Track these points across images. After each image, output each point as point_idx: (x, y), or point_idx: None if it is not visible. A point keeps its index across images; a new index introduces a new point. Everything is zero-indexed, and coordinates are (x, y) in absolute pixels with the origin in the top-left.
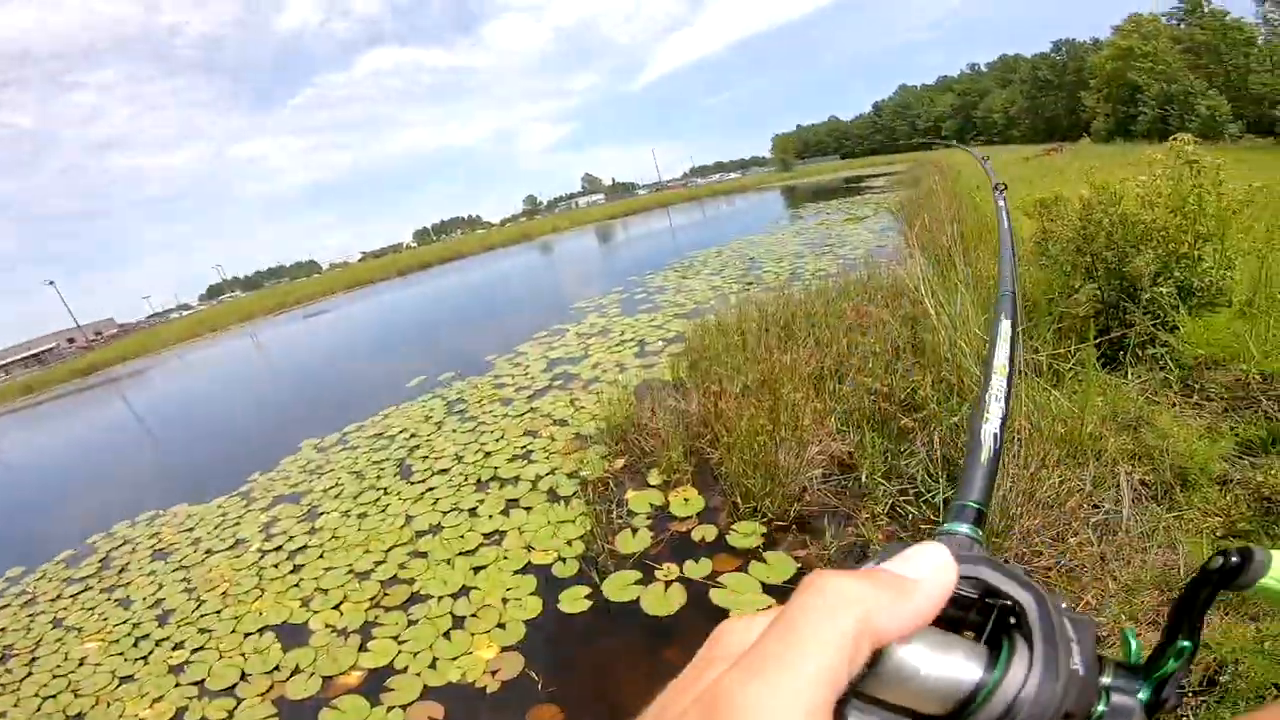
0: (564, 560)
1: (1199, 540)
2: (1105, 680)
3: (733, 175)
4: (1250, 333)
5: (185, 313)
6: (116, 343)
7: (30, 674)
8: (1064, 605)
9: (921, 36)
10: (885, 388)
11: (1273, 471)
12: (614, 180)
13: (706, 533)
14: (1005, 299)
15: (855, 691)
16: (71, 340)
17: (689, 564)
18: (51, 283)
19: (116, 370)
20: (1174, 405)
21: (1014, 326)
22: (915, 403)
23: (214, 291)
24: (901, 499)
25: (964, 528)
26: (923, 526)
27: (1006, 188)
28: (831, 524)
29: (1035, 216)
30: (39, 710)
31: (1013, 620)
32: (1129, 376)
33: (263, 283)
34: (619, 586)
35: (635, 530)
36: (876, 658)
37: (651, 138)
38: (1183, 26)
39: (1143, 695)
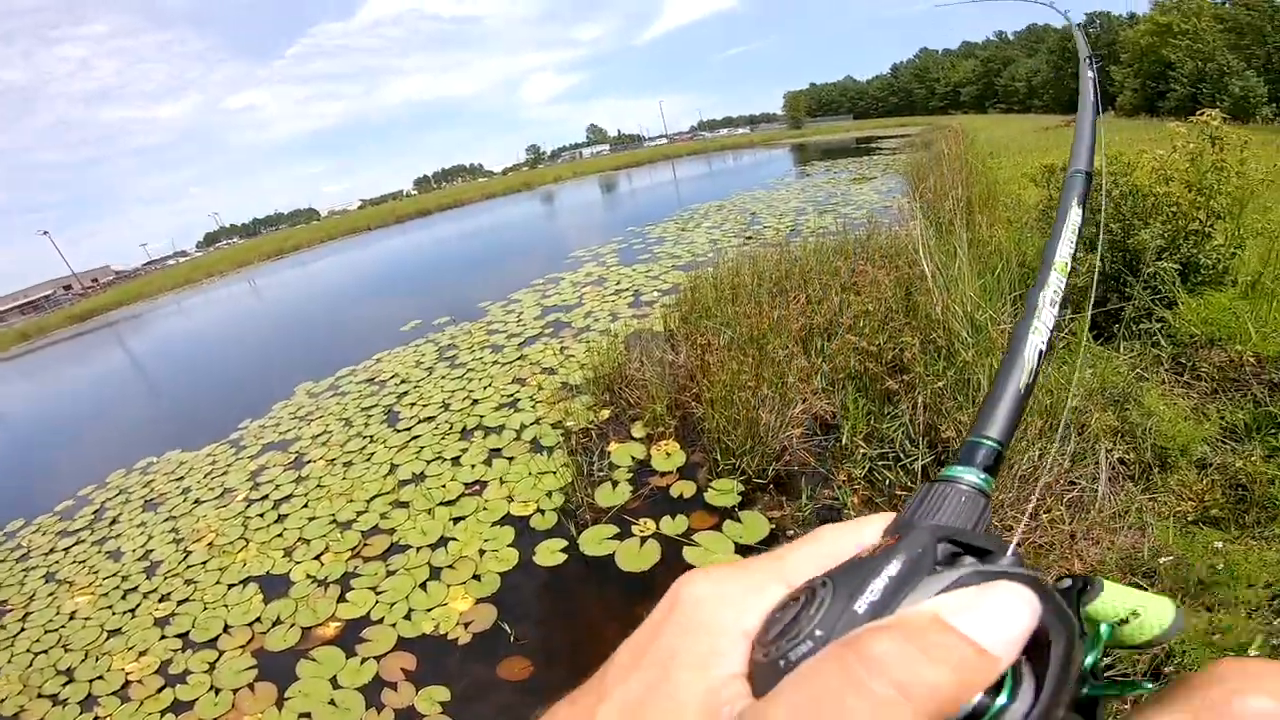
0: (543, 512)
1: (1167, 525)
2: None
3: (741, 130)
4: (1251, 314)
5: (182, 259)
6: (113, 289)
7: (23, 629)
8: None
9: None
10: (873, 348)
11: (1252, 458)
12: (619, 132)
13: (685, 489)
14: (1077, 178)
15: None
16: (68, 288)
17: (666, 520)
18: (45, 232)
19: (114, 315)
20: (1163, 383)
21: (1084, 214)
22: (902, 364)
23: (211, 239)
24: (880, 463)
25: (974, 475)
26: (899, 493)
27: (1103, 59)
28: (809, 485)
29: (1041, 184)
30: (31, 665)
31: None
32: (1120, 350)
33: (260, 230)
34: (595, 540)
35: (615, 484)
36: None
37: (659, 90)
38: (1228, 6)
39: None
